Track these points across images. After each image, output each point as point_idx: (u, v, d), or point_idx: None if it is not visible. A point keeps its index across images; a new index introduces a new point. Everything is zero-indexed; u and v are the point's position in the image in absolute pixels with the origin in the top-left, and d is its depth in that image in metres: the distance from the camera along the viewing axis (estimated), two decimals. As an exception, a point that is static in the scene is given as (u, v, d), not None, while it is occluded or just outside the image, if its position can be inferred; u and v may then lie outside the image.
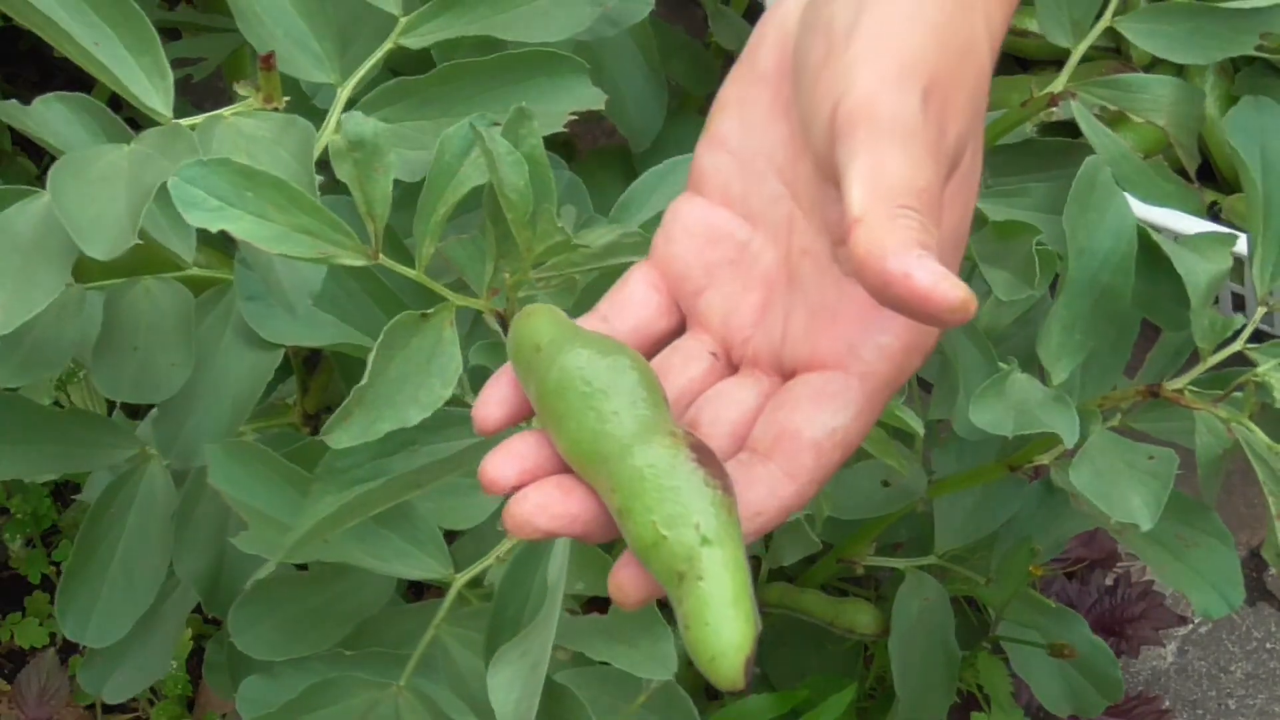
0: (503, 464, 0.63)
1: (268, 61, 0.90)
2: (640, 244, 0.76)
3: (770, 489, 0.63)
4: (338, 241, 0.75)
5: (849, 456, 0.64)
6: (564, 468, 0.63)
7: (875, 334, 0.64)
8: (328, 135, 0.94)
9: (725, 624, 0.60)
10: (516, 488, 0.62)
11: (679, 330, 0.68)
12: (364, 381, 0.75)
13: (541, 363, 0.64)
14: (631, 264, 0.68)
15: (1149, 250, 1.05)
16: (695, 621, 0.60)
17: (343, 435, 0.76)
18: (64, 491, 1.54)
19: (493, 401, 0.65)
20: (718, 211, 0.67)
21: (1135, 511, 1.00)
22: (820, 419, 0.63)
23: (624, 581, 0.62)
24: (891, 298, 0.58)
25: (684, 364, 0.66)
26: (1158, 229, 1.09)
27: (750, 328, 0.66)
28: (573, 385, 0.63)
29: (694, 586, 0.60)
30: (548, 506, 0.62)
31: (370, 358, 0.75)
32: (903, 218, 0.59)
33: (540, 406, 0.64)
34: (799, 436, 0.63)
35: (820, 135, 0.62)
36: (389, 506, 0.81)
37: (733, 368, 0.67)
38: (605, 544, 0.99)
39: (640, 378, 0.63)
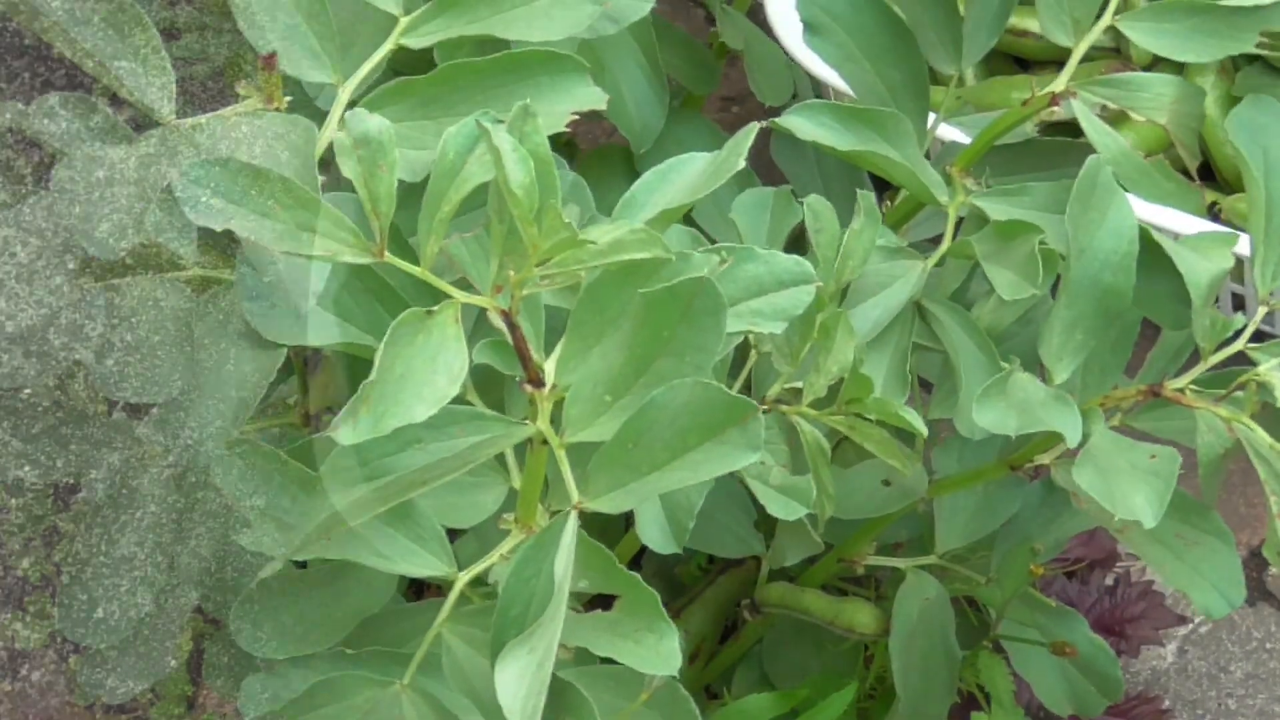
0: None
1: (269, 62, 0.90)
2: (646, 241, 0.76)
3: None
4: (343, 239, 0.75)
5: None
6: None
7: None
8: (329, 135, 0.94)
9: None
10: None
11: None
12: (371, 377, 0.75)
13: None
14: (635, 262, 0.68)
15: (1150, 250, 1.05)
16: None
17: (350, 432, 0.76)
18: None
19: None
20: None
21: (1138, 510, 1.00)
22: None
23: None
24: None
25: None
26: (1157, 229, 1.09)
27: None
28: None
29: None
30: None
31: (377, 354, 0.75)
32: None
33: None
34: None
35: None
36: (393, 504, 0.81)
37: None
38: (609, 542, 0.99)
39: None
